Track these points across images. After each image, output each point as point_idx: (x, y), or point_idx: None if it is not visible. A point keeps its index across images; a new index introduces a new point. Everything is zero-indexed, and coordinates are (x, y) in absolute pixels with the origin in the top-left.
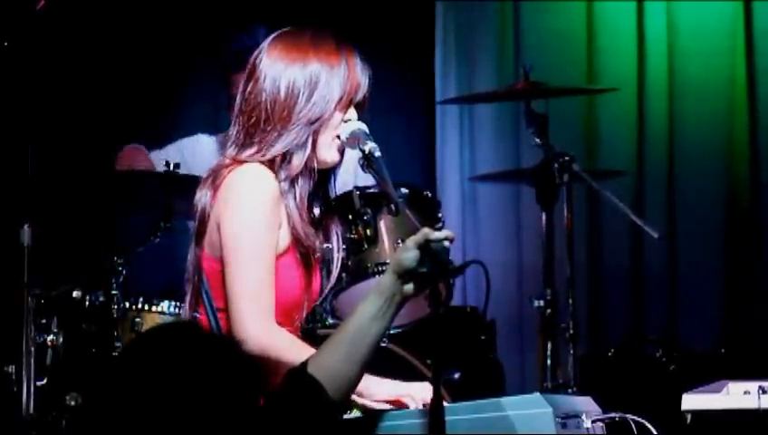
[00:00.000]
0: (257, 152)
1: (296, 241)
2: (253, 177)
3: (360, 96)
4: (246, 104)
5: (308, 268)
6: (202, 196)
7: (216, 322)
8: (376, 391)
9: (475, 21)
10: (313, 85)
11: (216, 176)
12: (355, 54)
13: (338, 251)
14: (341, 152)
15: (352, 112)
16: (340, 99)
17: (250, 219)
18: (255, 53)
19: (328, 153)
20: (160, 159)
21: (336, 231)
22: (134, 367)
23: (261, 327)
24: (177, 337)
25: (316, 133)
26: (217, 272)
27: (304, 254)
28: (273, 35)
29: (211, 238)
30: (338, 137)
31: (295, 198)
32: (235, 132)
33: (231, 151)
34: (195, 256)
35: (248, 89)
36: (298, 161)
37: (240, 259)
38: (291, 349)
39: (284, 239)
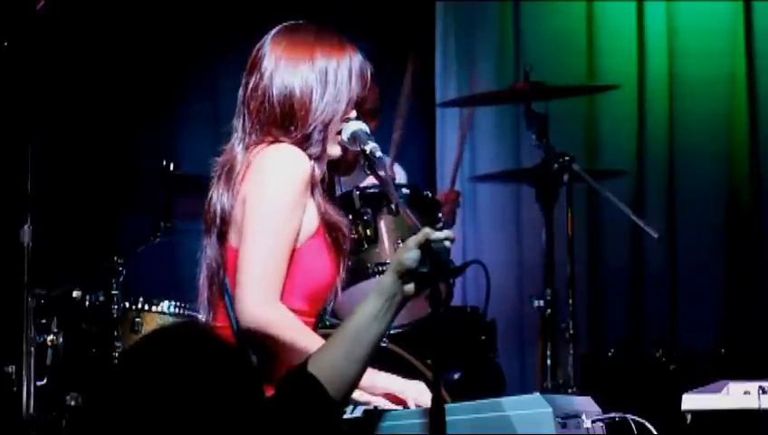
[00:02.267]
0: (291, 141)
1: (325, 222)
2: (288, 155)
3: (365, 92)
4: (254, 99)
5: (338, 252)
6: (221, 195)
7: (235, 319)
8: (380, 384)
9: (475, 21)
10: (325, 84)
11: (230, 172)
12: (357, 50)
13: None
14: (342, 146)
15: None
16: (350, 97)
17: (276, 199)
18: (258, 45)
19: (332, 148)
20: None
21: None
22: (135, 371)
23: (262, 302)
24: (178, 340)
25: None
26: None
27: (335, 238)
28: (275, 29)
29: (237, 225)
30: (339, 133)
31: (323, 187)
32: (244, 126)
33: (254, 141)
34: (216, 254)
35: (252, 83)
36: (322, 164)
37: (257, 233)
38: (291, 328)
39: (312, 222)
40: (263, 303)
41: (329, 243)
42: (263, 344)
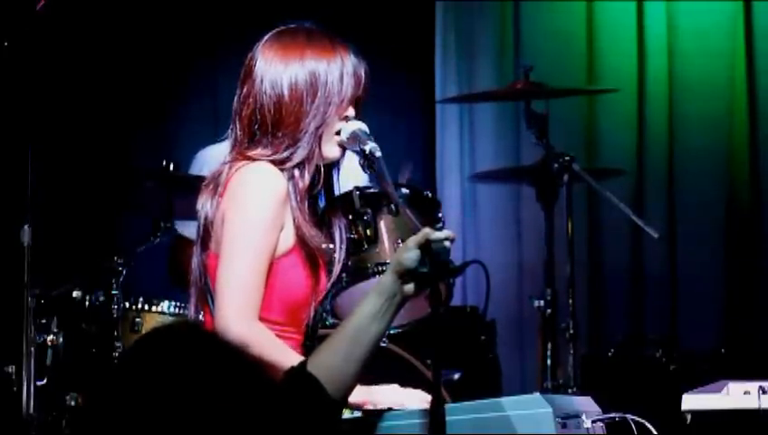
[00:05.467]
0: (272, 154)
1: (301, 241)
2: (263, 175)
3: (359, 91)
4: (246, 107)
5: (314, 268)
6: (205, 203)
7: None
8: (379, 399)
9: (475, 21)
10: (315, 86)
11: (217, 182)
12: (350, 50)
13: (340, 246)
14: (342, 147)
15: (350, 109)
16: (342, 99)
17: (253, 217)
18: (249, 54)
19: (330, 150)
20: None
21: (339, 226)
22: (134, 372)
23: (240, 322)
24: (177, 340)
25: (325, 130)
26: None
27: (310, 253)
28: (266, 36)
29: (216, 236)
30: (337, 133)
31: (301, 199)
32: (236, 136)
33: (236, 155)
34: (200, 260)
35: (244, 92)
36: (311, 168)
37: (234, 253)
38: (270, 347)
39: (288, 240)
40: (240, 319)
41: (304, 259)
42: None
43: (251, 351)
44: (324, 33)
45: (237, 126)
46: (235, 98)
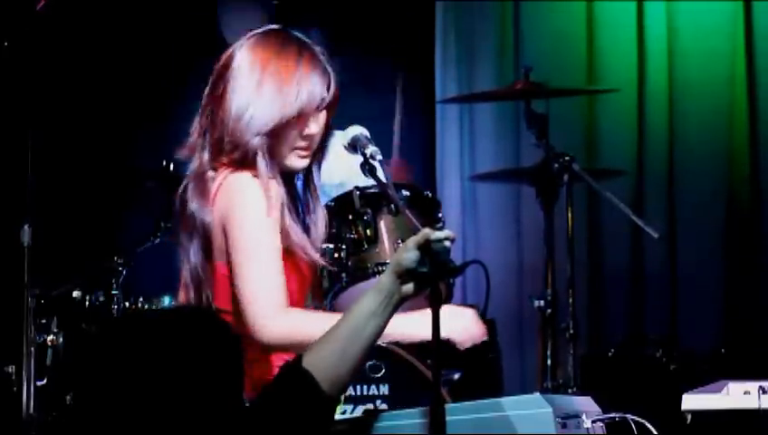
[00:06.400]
0: (239, 159)
1: (287, 248)
2: (255, 179)
3: (322, 104)
4: (221, 111)
5: (299, 274)
6: (197, 209)
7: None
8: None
9: (475, 21)
10: (274, 94)
11: (204, 185)
12: (317, 62)
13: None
14: (308, 158)
15: (322, 117)
16: (299, 111)
17: (257, 219)
18: (224, 58)
19: (291, 162)
20: None
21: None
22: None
23: (279, 317)
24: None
25: (273, 143)
26: (224, 276)
27: (296, 262)
28: (246, 41)
29: (216, 242)
30: (303, 148)
31: (291, 210)
32: (210, 139)
33: (209, 157)
34: (197, 267)
35: (216, 93)
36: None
37: (250, 252)
38: (311, 322)
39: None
40: (276, 313)
41: (289, 265)
42: (295, 348)
43: (300, 337)
44: (296, 42)
45: (208, 141)
46: (206, 116)
